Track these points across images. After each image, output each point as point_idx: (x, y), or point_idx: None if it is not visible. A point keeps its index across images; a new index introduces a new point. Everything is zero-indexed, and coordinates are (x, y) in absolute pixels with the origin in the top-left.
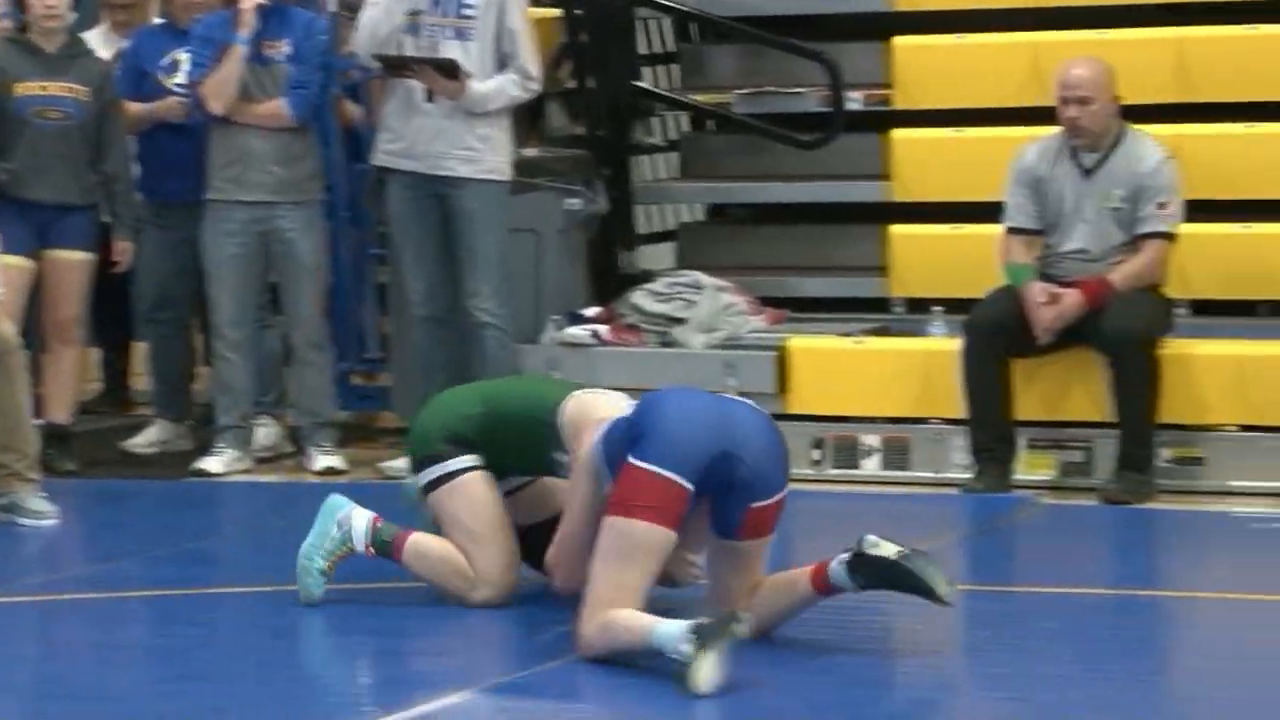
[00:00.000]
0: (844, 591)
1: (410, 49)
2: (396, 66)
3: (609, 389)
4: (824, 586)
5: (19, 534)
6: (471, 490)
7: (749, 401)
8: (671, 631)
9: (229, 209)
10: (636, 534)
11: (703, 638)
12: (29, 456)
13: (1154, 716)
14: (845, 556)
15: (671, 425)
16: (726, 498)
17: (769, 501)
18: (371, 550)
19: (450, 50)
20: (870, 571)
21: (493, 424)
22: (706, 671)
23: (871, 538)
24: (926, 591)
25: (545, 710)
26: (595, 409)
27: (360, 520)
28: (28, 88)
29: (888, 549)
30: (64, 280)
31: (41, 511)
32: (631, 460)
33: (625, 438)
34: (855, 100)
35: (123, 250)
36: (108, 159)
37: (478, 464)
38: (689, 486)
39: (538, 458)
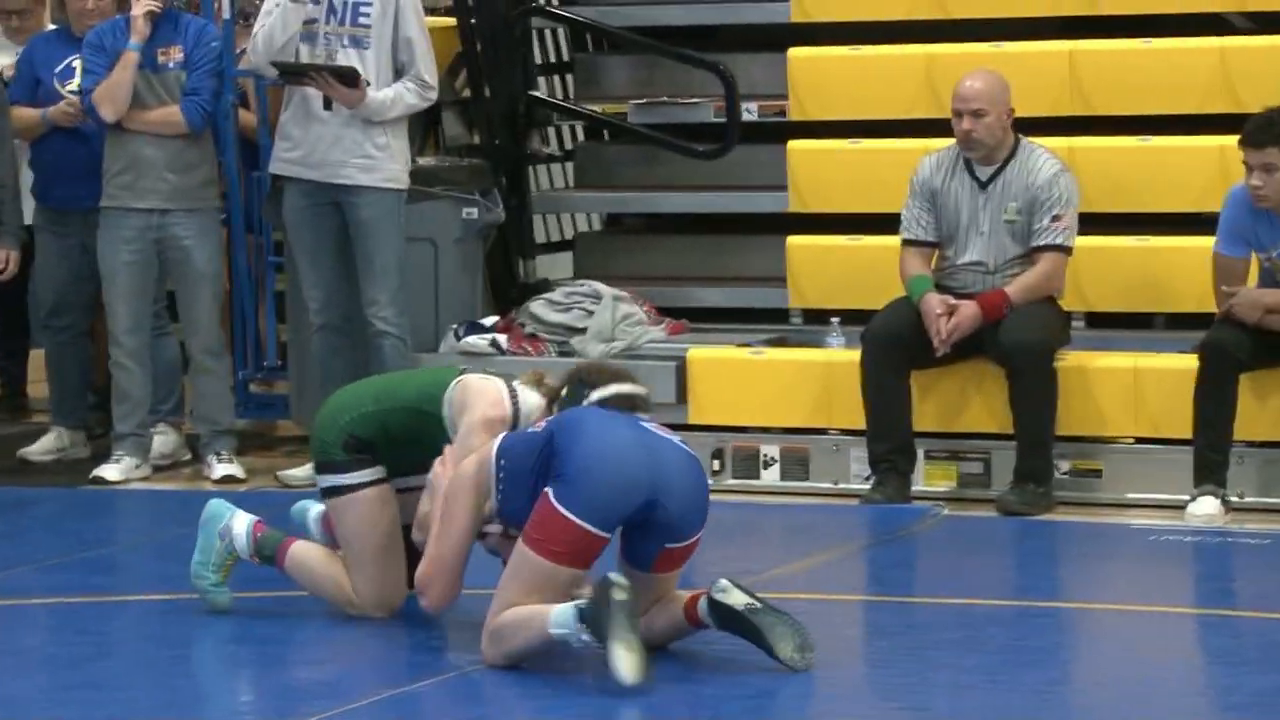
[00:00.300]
0: (709, 628)
1: (306, 57)
2: (295, 74)
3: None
4: (694, 619)
5: None
6: (363, 510)
7: (672, 437)
8: (565, 619)
9: (123, 216)
10: (548, 571)
11: (595, 622)
12: None
13: None
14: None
15: (595, 474)
16: (644, 535)
17: (686, 543)
18: (256, 559)
19: (347, 58)
20: (719, 616)
21: (387, 420)
22: (624, 660)
23: (723, 582)
24: (768, 650)
25: None
26: (480, 400)
27: (240, 527)
28: None
29: (736, 598)
30: None
31: None
32: (552, 502)
33: (539, 465)
34: (751, 111)
35: (6, 258)
36: None
37: (376, 478)
38: (608, 536)
39: (435, 450)
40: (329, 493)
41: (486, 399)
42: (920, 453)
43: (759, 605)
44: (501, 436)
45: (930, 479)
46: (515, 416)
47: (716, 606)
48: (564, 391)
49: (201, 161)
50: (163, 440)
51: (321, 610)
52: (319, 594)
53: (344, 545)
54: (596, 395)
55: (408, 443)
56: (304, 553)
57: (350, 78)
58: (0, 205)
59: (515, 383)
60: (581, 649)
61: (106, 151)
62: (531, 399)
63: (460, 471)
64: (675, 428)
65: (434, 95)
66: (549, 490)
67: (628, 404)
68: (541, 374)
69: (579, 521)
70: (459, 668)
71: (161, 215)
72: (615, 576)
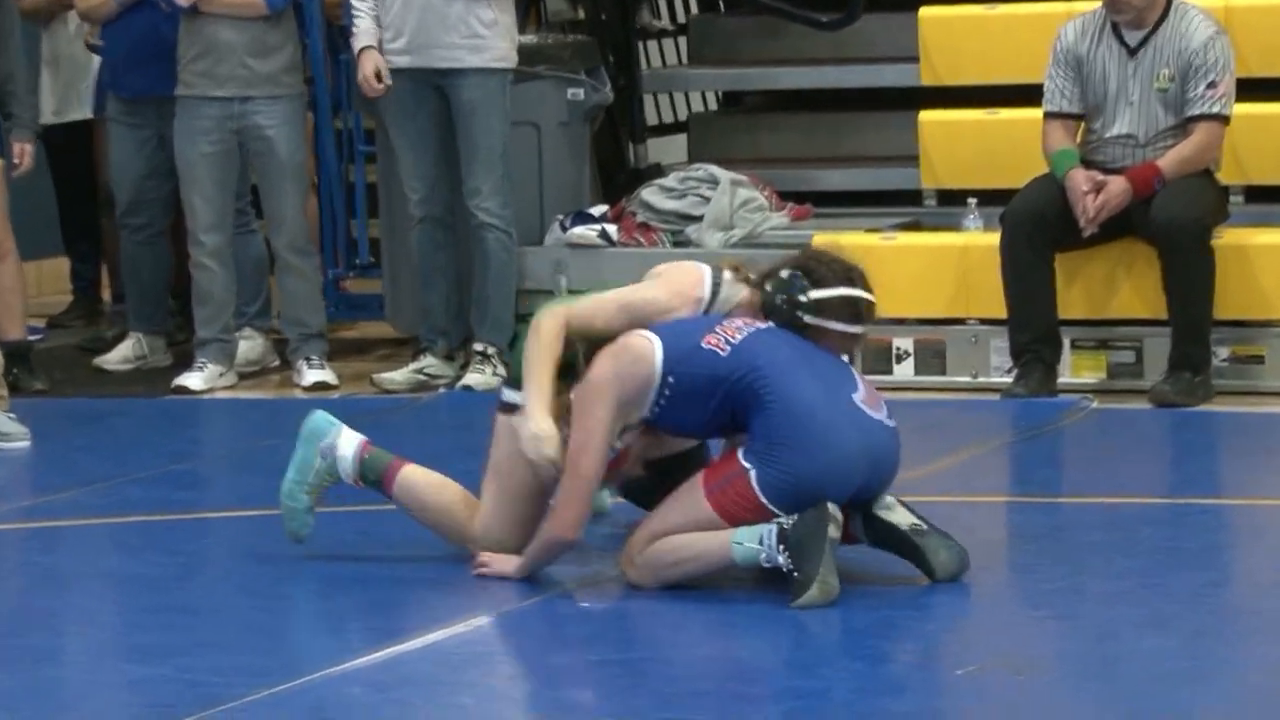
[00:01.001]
0: (860, 543)
1: None
2: None
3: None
4: (846, 534)
5: None
6: None
7: (880, 413)
8: (759, 536)
9: (201, 105)
10: (719, 524)
11: (800, 550)
12: None
13: (1214, 632)
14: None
15: (808, 480)
16: None
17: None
18: (359, 483)
19: None
20: (878, 533)
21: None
22: (815, 602)
23: (889, 499)
24: (928, 572)
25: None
26: (676, 271)
27: (347, 448)
28: None
29: (900, 516)
30: None
31: (10, 434)
32: (754, 488)
33: (724, 399)
34: None
35: (21, 153)
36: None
37: None
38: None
39: None
40: (510, 409)
41: (685, 274)
42: (1066, 342)
43: (924, 527)
44: (661, 343)
45: (1078, 370)
46: (711, 300)
47: (876, 522)
48: (778, 278)
49: (284, 44)
50: (249, 346)
51: (414, 526)
52: (427, 524)
53: (495, 473)
54: (817, 295)
55: None
56: (415, 477)
57: None
58: (11, 97)
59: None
60: (770, 567)
61: (182, 36)
62: (737, 290)
63: (595, 379)
64: None
65: None
66: (752, 471)
67: (852, 312)
68: (739, 265)
69: (775, 509)
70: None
71: (242, 103)
72: (833, 509)
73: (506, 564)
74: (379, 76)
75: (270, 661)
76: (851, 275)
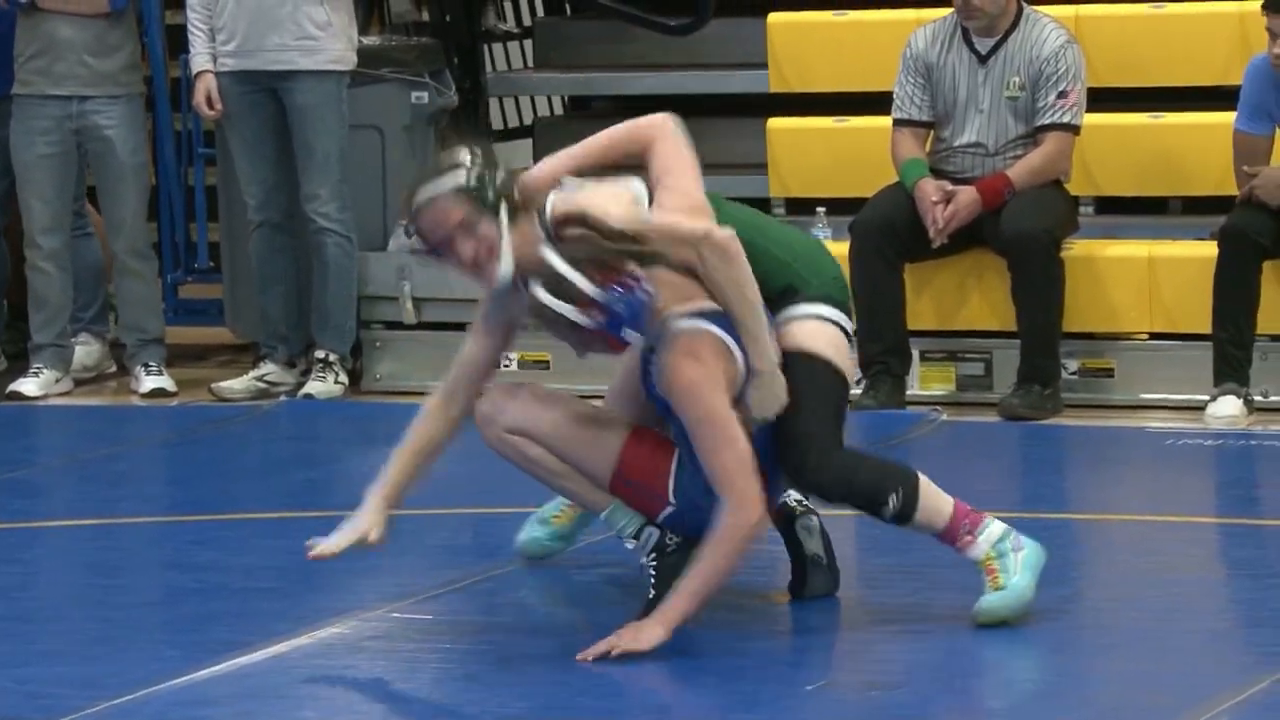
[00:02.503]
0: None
1: None
2: None
3: (463, 301)
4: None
5: None
6: None
7: None
8: (627, 525)
9: (38, 104)
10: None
11: (666, 577)
12: None
13: (1069, 647)
14: None
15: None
16: None
17: None
18: None
19: None
20: (787, 539)
21: None
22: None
23: (814, 520)
24: (795, 592)
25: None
26: None
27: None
28: None
29: (812, 545)
30: None
31: None
32: (669, 479)
33: None
34: None
35: None
36: None
37: None
38: None
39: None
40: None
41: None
42: (915, 353)
43: (823, 562)
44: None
45: (926, 382)
46: None
47: (791, 532)
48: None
49: (124, 43)
50: (85, 351)
51: (255, 536)
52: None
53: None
54: None
55: None
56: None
57: None
58: None
59: None
60: (629, 548)
61: (19, 34)
62: None
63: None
64: None
65: None
66: (676, 472)
67: None
68: None
69: (671, 501)
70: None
71: (81, 102)
72: None
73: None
74: (212, 101)
75: (110, 673)
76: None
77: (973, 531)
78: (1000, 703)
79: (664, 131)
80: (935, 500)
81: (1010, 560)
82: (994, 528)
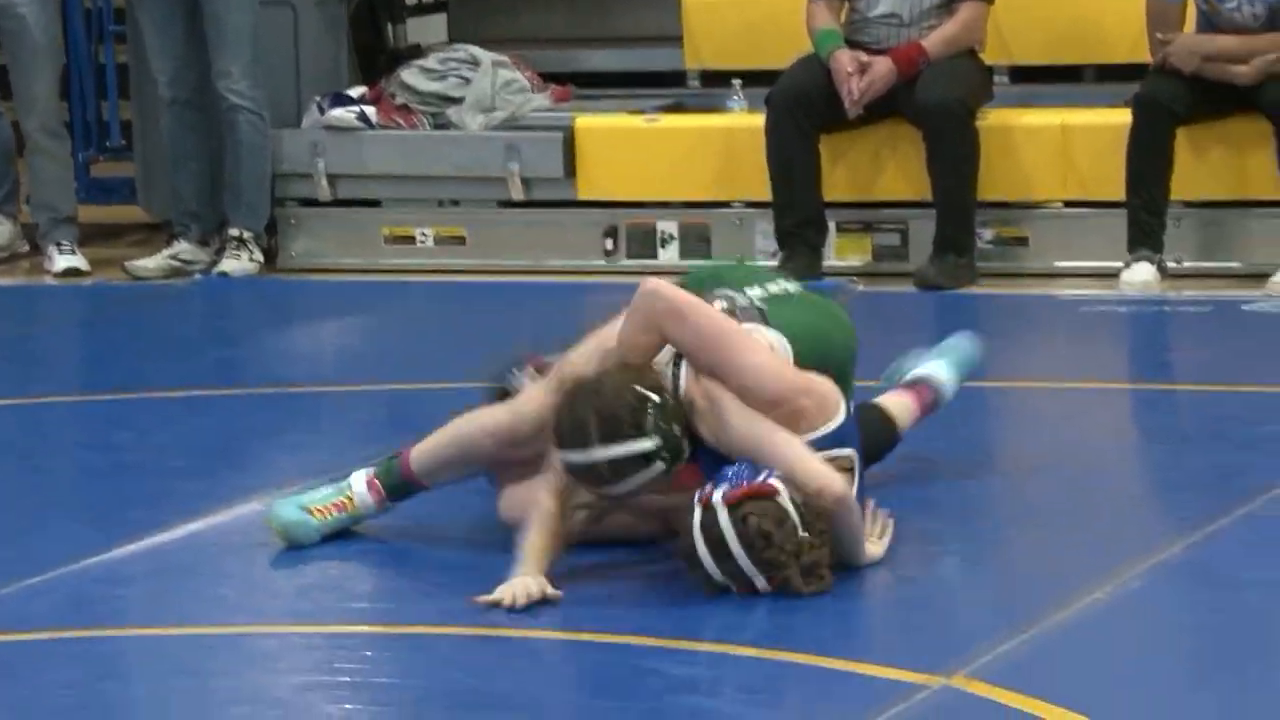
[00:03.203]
0: None
1: None
2: None
3: (378, 177)
4: None
5: None
6: None
7: None
8: None
9: None
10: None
11: None
12: None
13: (982, 514)
14: None
15: None
16: None
17: None
18: (387, 500)
19: None
20: None
21: None
22: None
23: None
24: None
25: None
26: None
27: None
28: None
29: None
30: None
31: None
32: None
33: None
34: None
35: None
36: None
37: None
38: None
39: None
40: None
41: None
42: (831, 224)
43: None
44: None
45: (842, 252)
46: None
47: None
48: None
49: None
50: None
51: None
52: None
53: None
54: None
55: None
56: (425, 446)
57: None
58: None
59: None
60: None
61: None
62: None
63: None
64: (563, 204)
65: None
66: None
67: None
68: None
69: None
70: None
71: None
72: None
73: None
74: None
75: (24, 553)
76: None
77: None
78: (919, 570)
79: (669, 311)
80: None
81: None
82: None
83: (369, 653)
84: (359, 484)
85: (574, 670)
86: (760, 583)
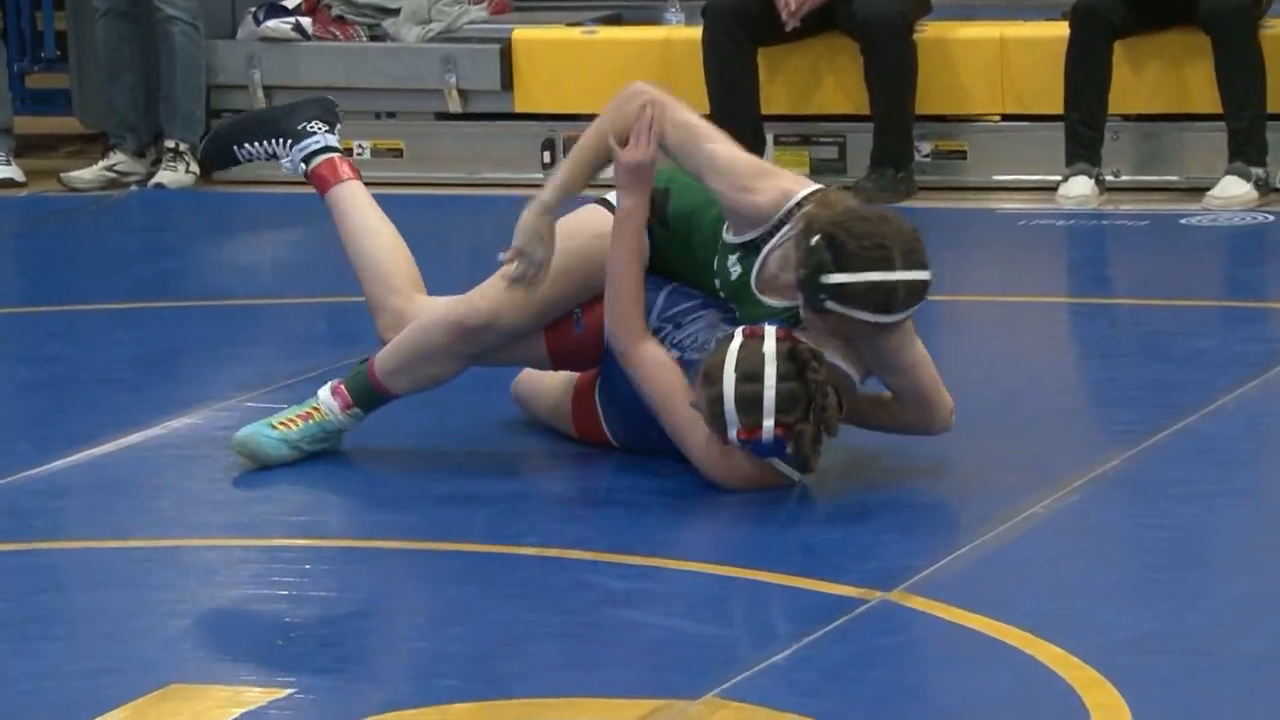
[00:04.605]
0: None
1: None
2: None
3: (314, 88)
4: None
5: None
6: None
7: None
8: None
9: None
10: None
11: None
12: None
13: None
14: None
15: None
16: None
17: None
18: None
19: None
20: None
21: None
22: None
23: None
24: None
25: None
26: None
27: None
28: None
29: None
30: None
31: None
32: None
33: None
34: None
35: None
36: None
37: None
38: None
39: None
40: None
41: (788, 177)
42: (770, 137)
43: None
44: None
45: (783, 160)
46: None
47: None
48: (806, 248)
49: None
50: None
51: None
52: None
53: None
54: (840, 279)
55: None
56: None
57: None
58: None
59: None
60: None
61: None
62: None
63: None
64: (500, 117)
65: None
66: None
67: (880, 302)
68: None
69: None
70: None
71: None
72: None
73: None
74: None
75: None
76: (888, 254)
77: None
78: (856, 486)
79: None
80: None
81: None
82: None
83: (307, 565)
84: (324, 392)
85: (512, 583)
86: (769, 424)
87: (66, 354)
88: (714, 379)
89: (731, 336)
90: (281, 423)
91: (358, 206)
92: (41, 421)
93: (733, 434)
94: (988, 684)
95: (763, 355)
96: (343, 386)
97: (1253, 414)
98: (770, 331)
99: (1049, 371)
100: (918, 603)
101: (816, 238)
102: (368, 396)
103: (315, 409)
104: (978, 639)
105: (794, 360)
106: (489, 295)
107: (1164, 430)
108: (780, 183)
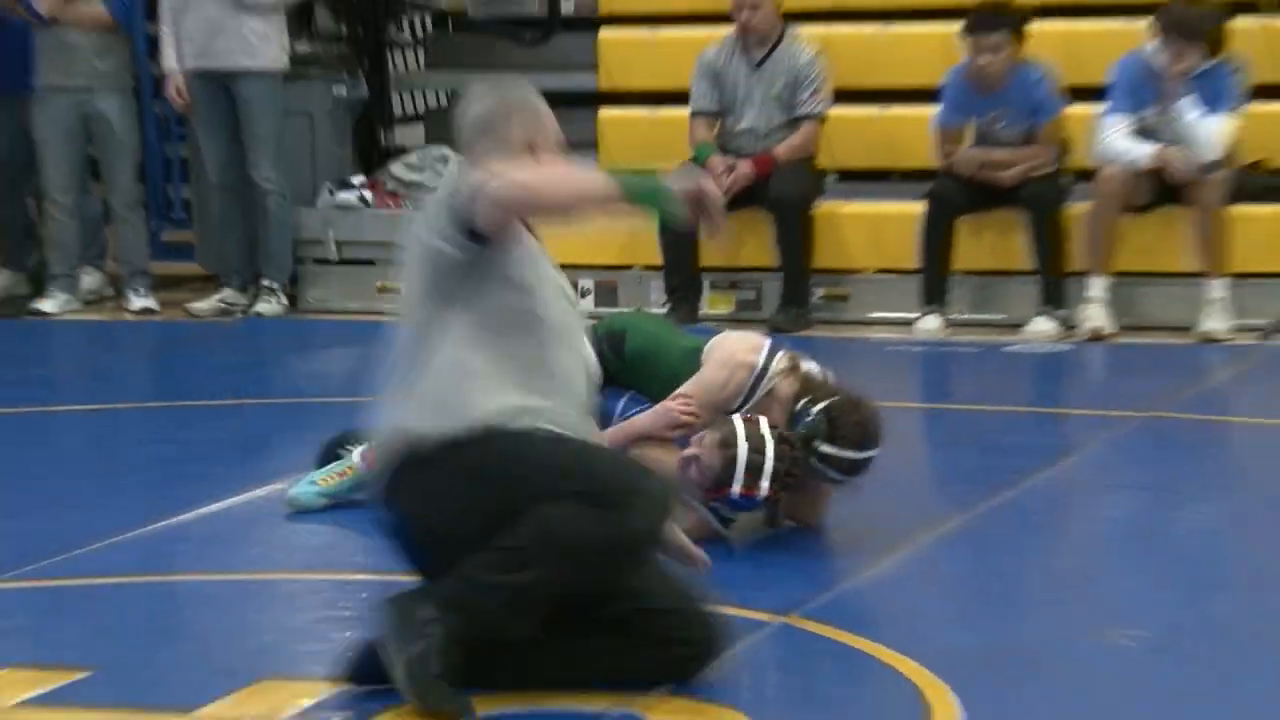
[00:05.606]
0: None
1: None
2: None
3: (373, 243)
4: None
5: None
6: None
7: None
8: None
9: (56, 94)
10: None
11: None
12: None
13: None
14: None
15: None
16: None
17: None
18: None
19: None
20: None
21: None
22: None
23: None
24: None
25: None
26: (737, 340)
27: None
28: None
29: None
30: None
31: None
32: None
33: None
34: (569, 6)
35: None
36: None
37: None
38: None
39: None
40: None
41: (744, 340)
42: (705, 284)
43: None
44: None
45: (714, 304)
46: (761, 374)
47: None
48: (808, 414)
49: (118, 48)
50: (90, 279)
51: (218, 417)
52: None
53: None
54: (828, 450)
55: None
56: None
57: None
58: None
59: (780, 354)
60: None
61: (39, 42)
62: (781, 380)
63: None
64: None
65: None
66: None
67: (847, 469)
68: (795, 358)
69: None
70: None
71: (88, 93)
72: None
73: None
74: (181, 94)
75: (107, 518)
76: (866, 440)
77: None
78: (760, 533)
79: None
80: None
81: None
82: None
83: (364, 594)
84: (357, 455)
85: None
86: (765, 485)
87: (187, 437)
88: (730, 444)
89: (733, 418)
90: (323, 479)
91: None
92: (167, 486)
93: (736, 489)
94: (855, 688)
95: (763, 436)
96: (371, 453)
97: (1053, 489)
98: (764, 420)
99: (905, 457)
100: (809, 625)
101: (818, 409)
102: None
103: (350, 468)
104: (854, 654)
105: (783, 443)
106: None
107: (990, 500)
108: (738, 359)
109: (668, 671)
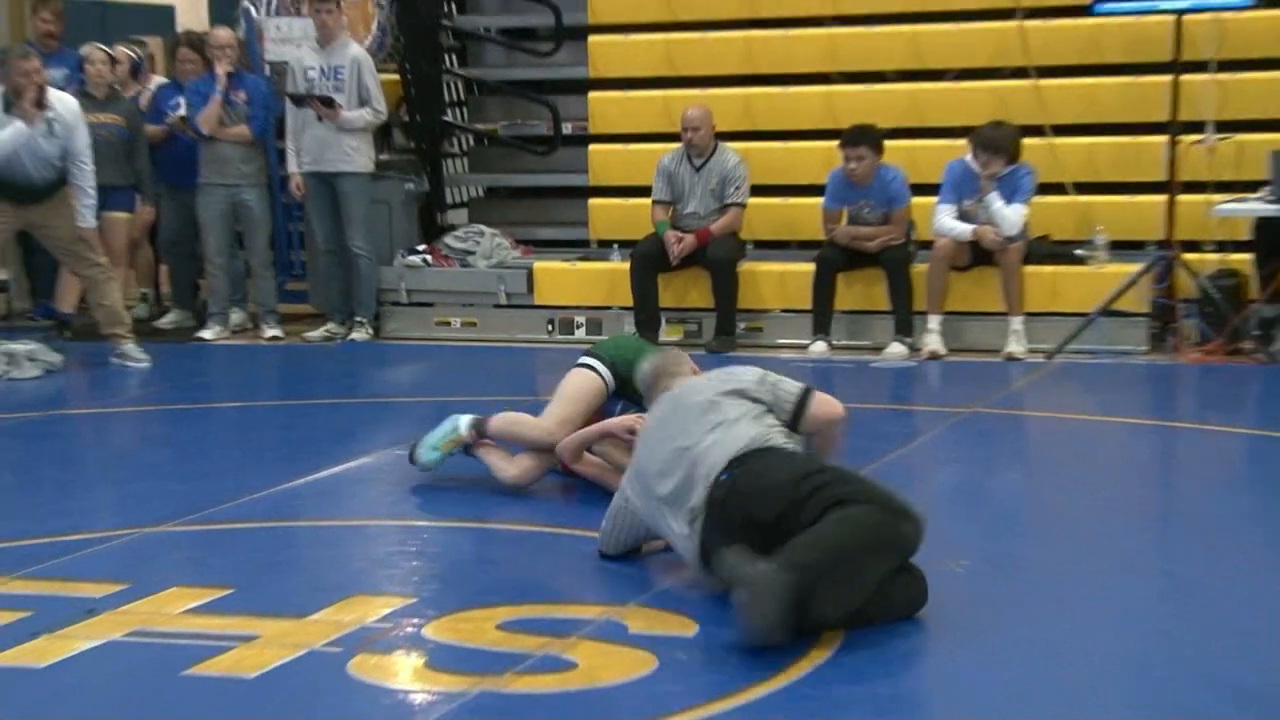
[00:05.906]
0: None
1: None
2: (300, 100)
3: (433, 291)
4: None
5: (127, 371)
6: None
7: None
8: None
9: (214, 189)
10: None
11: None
12: (127, 326)
13: None
14: None
15: None
16: None
17: None
18: (472, 434)
19: (330, 94)
20: None
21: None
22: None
23: None
24: None
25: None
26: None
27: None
28: (93, 117)
29: None
30: (113, 229)
31: (139, 358)
32: None
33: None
34: (568, 128)
35: (146, 211)
36: (137, 159)
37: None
38: None
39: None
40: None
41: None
42: (663, 318)
43: None
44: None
45: (669, 333)
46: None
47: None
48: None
49: (259, 157)
50: (236, 316)
51: (323, 412)
52: (520, 442)
53: (560, 393)
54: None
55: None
56: (495, 419)
57: (330, 103)
58: (141, 178)
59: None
60: None
61: (202, 152)
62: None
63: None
64: (526, 307)
65: (384, 117)
66: None
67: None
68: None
69: None
70: None
71: (236, 188)
72: None
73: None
74: (299, 188)
75: (245, 481)
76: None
77: None
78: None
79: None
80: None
81: None
82: None
83: (426, 536)
84: (464, 426)
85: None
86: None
87: (305, 424)
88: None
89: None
90: (441, 445)
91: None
92: (291, 459)
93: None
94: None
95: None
96: (473, 428)
97: (907, 463)
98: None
99: None
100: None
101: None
102: (483, 436)
103: (459, 436)
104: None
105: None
106: (544, 425)
107: (862, 470)
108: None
109: (916, 604)
